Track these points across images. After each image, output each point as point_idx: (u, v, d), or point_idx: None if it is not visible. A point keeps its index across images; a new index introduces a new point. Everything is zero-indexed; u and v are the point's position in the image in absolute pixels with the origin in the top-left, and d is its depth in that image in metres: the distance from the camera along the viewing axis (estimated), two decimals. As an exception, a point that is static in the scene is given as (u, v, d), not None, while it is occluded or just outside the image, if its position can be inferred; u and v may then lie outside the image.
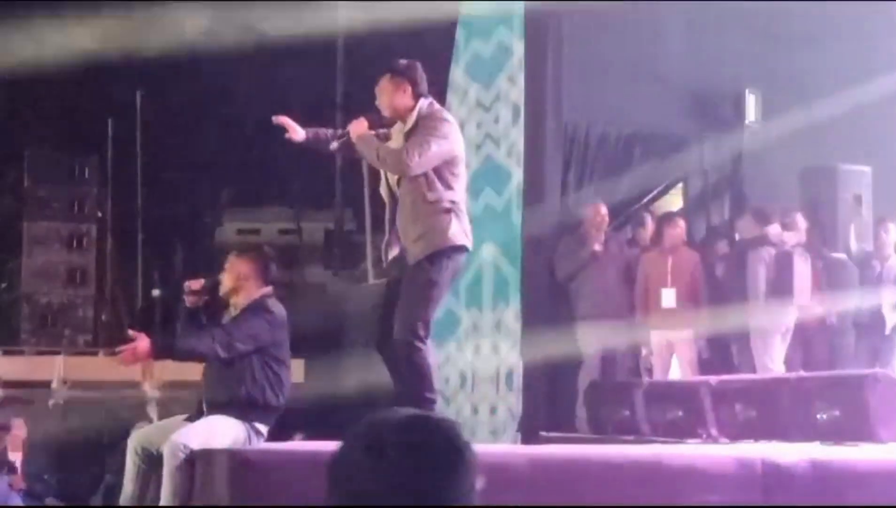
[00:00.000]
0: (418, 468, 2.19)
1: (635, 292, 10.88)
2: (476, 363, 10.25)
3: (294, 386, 7.45)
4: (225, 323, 6.97)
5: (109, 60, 27.94)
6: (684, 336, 10.67)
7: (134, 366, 7.26)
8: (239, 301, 7.04)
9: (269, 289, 7.10)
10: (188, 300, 7.22)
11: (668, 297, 10.60)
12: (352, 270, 21.15)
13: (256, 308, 6.95)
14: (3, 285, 35.13)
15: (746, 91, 12.21)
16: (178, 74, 28.68)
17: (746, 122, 12.30)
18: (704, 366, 10.72)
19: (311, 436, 10.74)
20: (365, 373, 15.74)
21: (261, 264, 7.11)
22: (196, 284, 7.29)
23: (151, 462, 6.72)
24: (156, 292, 26.60)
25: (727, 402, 9.03)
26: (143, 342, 6.63)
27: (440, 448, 2.23)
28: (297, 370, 11.84)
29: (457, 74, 10.97)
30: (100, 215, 34.66)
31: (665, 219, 11.25)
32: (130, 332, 6.76)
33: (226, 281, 7.10)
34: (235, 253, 7.19)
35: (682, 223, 11.09)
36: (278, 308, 7.05)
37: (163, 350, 6.90)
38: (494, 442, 9.64)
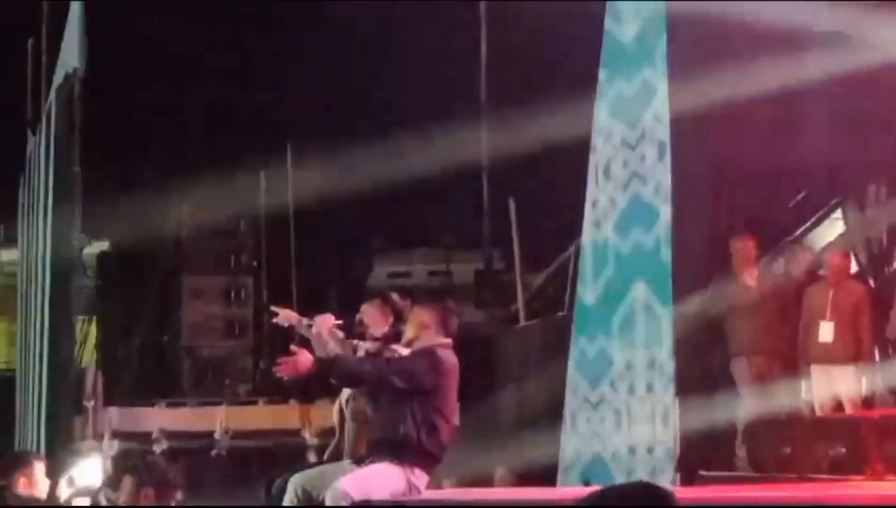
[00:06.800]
0: None
1: (798, 325, 10.72)
2: (631, 403, 10.16)
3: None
4: (391, 357, 7.07)
5: (258, 112, 28.65)
6: (846, 370, 10.44)
7: (295, 376, 7.15)
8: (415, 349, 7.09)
9: (447, 341, 7.10)
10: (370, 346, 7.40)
11: (826, 331, 10.43)
12: (502, 310, 21.16)
13: (424, 352, 7.00)
14: (165, 338, 35.99)
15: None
16: (327, 125, 29.23)
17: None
18: (868, 400, 10.46)
19: (460, 481, 10.75)
20: (516, 413, 15.78)
21: (441, 317, 7.11)
22: (376, 330, 7.46)
23: (311, 504, 6.83)
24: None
25: (893, 437, 8.80)
26: (304, 357, 6.76)
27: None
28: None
29: (601, 114, 10.96)
30: (255, 264, 35.32)
31: (829, 251, 11.10)
32: (293, 347, 6.90)
33: (408, 331, 7.14)
34: (420, 305, 7.21)
35: (844, 254, 10.89)
36: (448, 356, 7.04)
37: (323, 366, 6.97)
38: (653, 483, 9.53)
